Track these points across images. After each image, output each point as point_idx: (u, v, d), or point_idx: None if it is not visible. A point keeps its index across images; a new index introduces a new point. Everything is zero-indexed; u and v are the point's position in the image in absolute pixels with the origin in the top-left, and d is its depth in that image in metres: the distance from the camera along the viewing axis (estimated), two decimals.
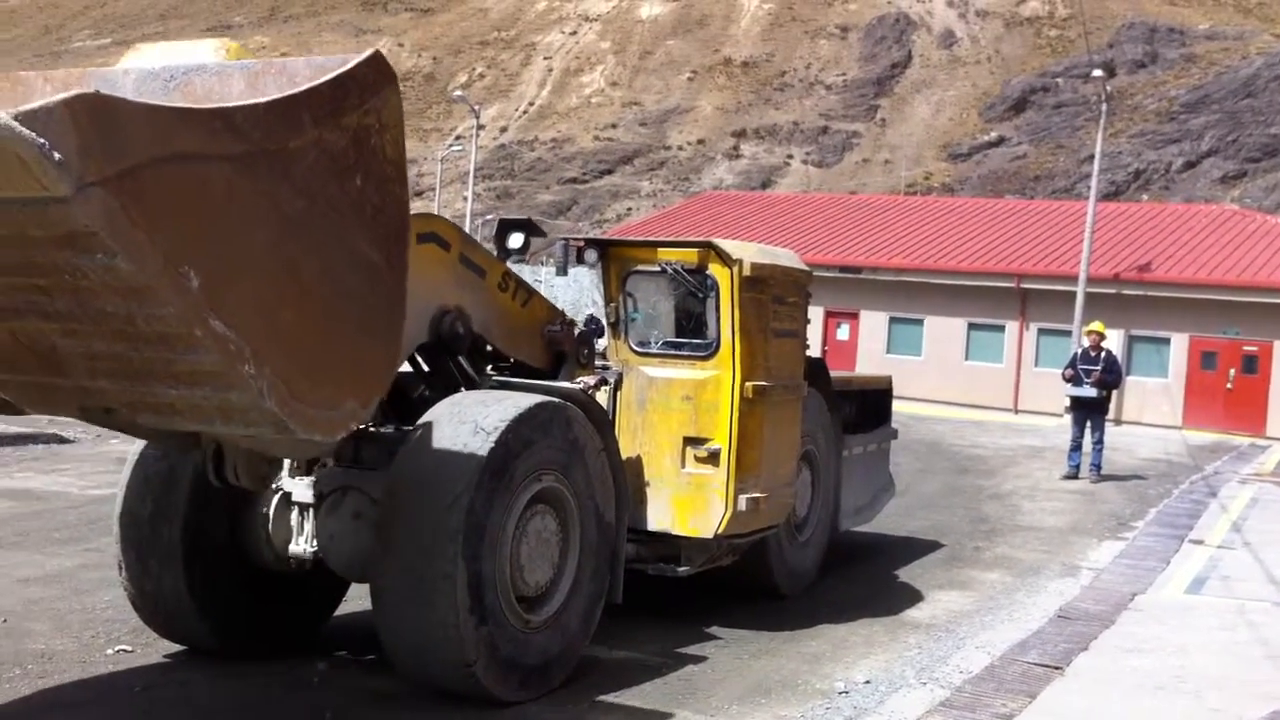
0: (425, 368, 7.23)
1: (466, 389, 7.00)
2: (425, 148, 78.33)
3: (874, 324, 32.58)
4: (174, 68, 5.53)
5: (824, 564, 9.69)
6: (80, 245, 4.08)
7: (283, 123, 4.57)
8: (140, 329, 4.37)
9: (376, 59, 5.00)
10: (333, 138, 4.77)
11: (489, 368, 7.46)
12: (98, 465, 12.94)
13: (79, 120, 3.83)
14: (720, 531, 7.88)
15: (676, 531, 7.96)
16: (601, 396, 7.80)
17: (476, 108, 52.98)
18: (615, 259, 8.42)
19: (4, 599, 7.80)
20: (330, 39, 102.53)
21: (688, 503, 7.96)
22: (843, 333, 32.85)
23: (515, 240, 7.80)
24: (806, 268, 9.09)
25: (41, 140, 3.74)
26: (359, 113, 4.87)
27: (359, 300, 4.98)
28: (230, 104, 4.60)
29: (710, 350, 8.06)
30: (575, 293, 39.35)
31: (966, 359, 31.40)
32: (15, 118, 3.72)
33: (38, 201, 3.94)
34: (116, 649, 6.93)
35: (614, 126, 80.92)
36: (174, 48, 5.93)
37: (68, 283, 4.27)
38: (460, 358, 7.08)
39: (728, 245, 8.12)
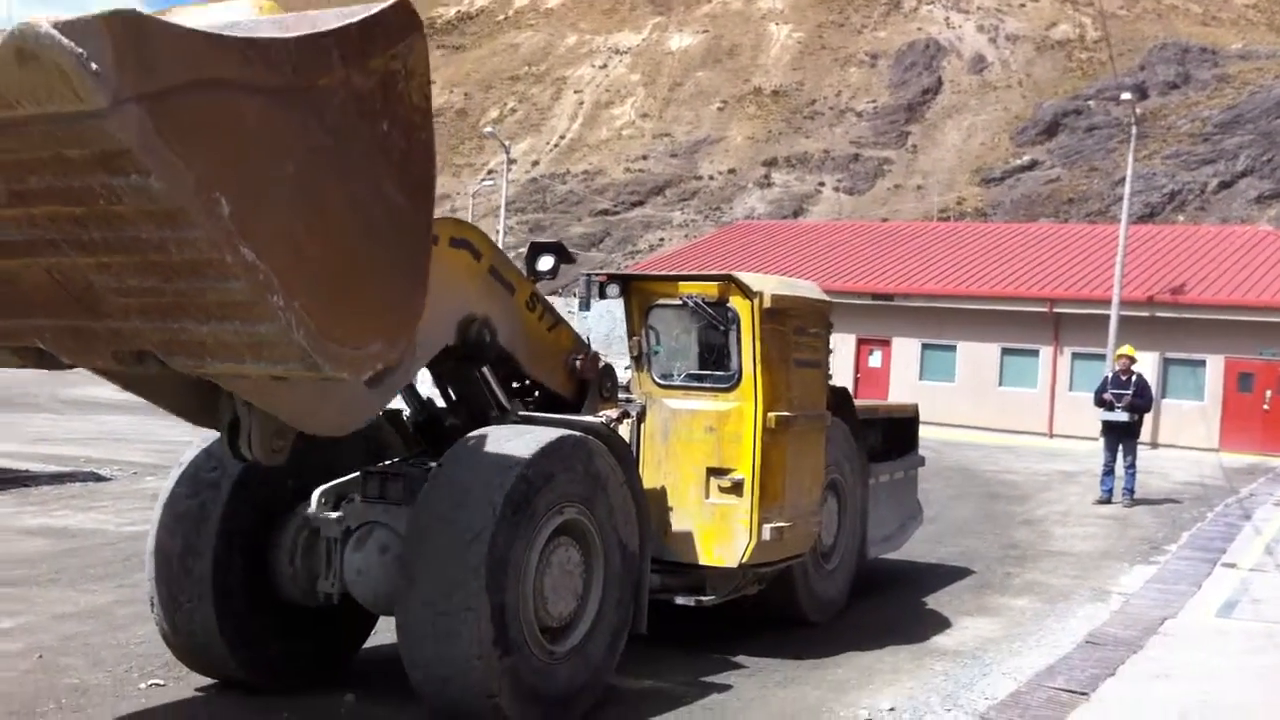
0: (454, 395, 7.35)
1: (495, 409, 7.10)
2: (458, 183, 78.95)
3: (907, 350, 32.52)
4: (206, 24, 5.44)
5: (852, 591, 9.72)
6: (114, 165, 4.11)
7: (313, 59, 4.64)
8: (172, 257, 4.41)
9: (403, 4, 5.05)
10: (360, 79, 4.82)
11: (514, 399, 7.55)
12: (134, 502, 13.14)
13: (116, 35, 3.88)
14: (745, 561, 7.94)
15: (701, 561, 8.02)
16: (624, 429, 7.89)
17: (507, 143, 53.44)
18: (637, 293, 8.55)
19: (40, 635, 7.96)
20: None
21: (712, 533, 8.02)
22: (875, 360, 32.81)
23: (545, 263, 7.87)
24: (827, 298, 9.16)
25: (80, 50, 3.79)
26: (386, 57, 4.93)
27: (385, 241, 5.03)
28: (263, 35, 4.65)
29: (733, 382, 8.15)
30: (609, 324, 39.62)
31: (1000, 384, 31.29)
32: (56, 27, 3.78)
33: (74, 117, 3.98)
34: (149, 683, 7.06)
35: (645, 158, 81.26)
36: (209, 9, 6.00)
37: (102, 208, 4.30)
38: (486, 371, 7.15)
39: (748, 278, 8.21)
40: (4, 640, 7.81)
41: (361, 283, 4.93)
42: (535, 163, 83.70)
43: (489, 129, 60.39)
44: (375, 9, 4.97)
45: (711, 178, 77.64)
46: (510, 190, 53.78)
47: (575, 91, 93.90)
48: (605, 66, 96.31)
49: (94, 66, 3.83)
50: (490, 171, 75.75)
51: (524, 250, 8.17)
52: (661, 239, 69.94)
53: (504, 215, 50.62)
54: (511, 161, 55.12)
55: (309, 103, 4.63)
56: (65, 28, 3.81)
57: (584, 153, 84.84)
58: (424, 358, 6.55)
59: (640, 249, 67.96)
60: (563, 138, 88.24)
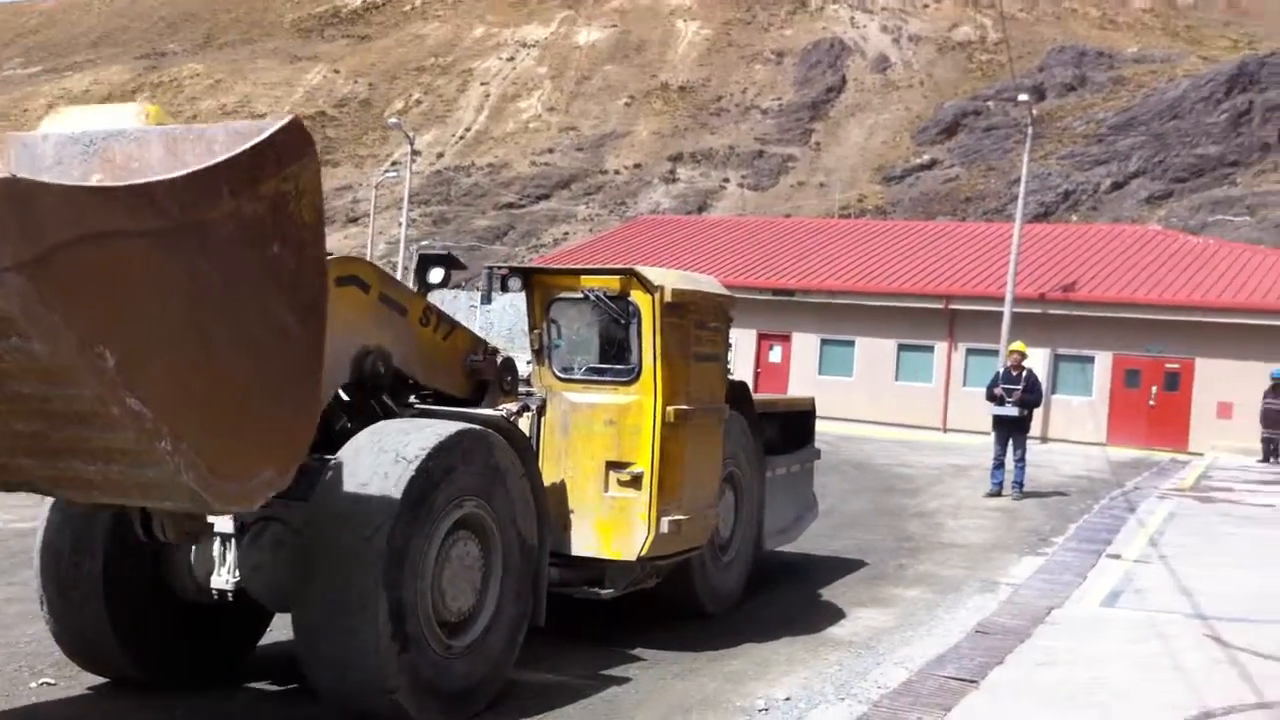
0: (346, 399, 7.32)
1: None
2: (361, 174, 77.98)
3: (806, 346, 32.92)
4: (94, 133, 5.55)
5: (748, 584, 9.86)
6: None
7: (201, 195, 4.60)
8: (56, 408, 4.39)
9: (295, 125, 5.06)
10: (251, 206, 4.81)
11: (411, 396, 7.56)
12: (21, 499, 12.76)
13: None
14: (643, 554, 8.02)
15: (600, 555, 8.08)
16: (524, 423, 7.93)
17: (412, 134, 52.92)
18: (539, 286, 8.57)
19: None
20: (265, 65, 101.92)
21: (611, 526, 8.08)
22: (775, 355, 33.17)
23: (436, 275, 7.94)
24: (728, 293, 9.28)
25: None
26: (277, 179, 4.92)
27: (275, 366, 5.01)
28: (148, 179, 4.61)
29: (632, 375, 8.22)
30: (514, 318, 39.48)
31: (897, 379, 31.81)
32: None
33: None
34: (40, 682, 6.93)
35: (551, 151, 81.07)
36: (94, 111, 5.96)
37: None
38: (383, 394, 7.18)
39: (649, 272, 8.29)
40: None
41: (252, 412, 4.91)
42: (440, 155, 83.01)
43: (393, 120, 59.76)
44: (267, 133, 4.93)
45: (617, 172, 77.73)
46: (414, 182, 53.27)
47: (482, 84, 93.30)
48: (513, 59, 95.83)
49: None
50: (394, 163, 74.89)
51: (425, 243, 8.19)
52: (566, 233, 69.84)
53: (407, 208, 50.14)
54: (416, 153, 54.61)
55: (196, 239, 4.58)
56: None
57: (489, 145, 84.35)
58: (323, 401, 6.54)
59: (545, 243, 67.80)
60: (468, 130, 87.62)
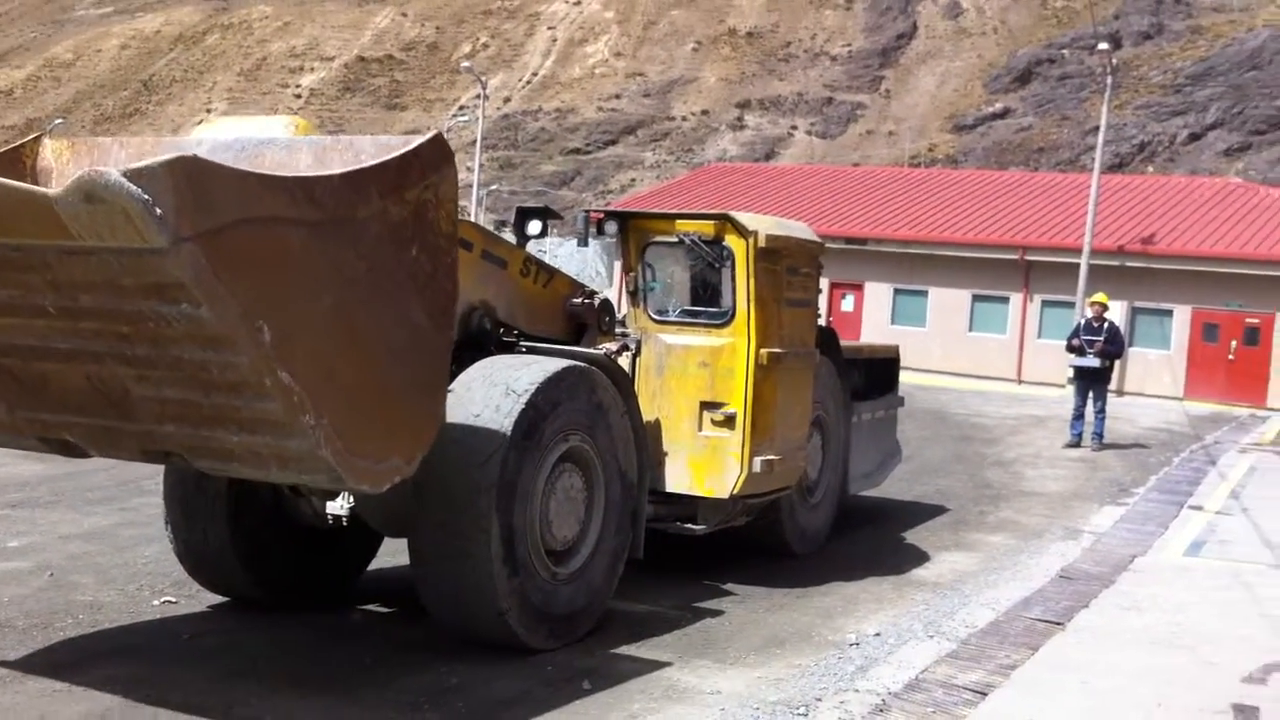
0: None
1: None
2: (429, 118, 78.29)
3: (879, 295, 32.80)
4: (246, 140, 6.07)
5: (834, 526, 10.01)
6: (167, 295, 4.48)
7: (354, 194, 5.01)
8: (213, 376, 4.76)
9: (438, 140, 5.52)
10: (396, 210, 5.23)
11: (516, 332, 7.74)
12: None
13: (179, 180, 4.22)
14: (735, 492, 8.19)
15: (694, 492, 8.27)
16: (624, 362, 8.10)
17: (483, 78, 53.01)
18: (634, 230, 8.72)
19: (47, 554, 8.14)
20: (334, 8, 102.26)
21: (704, 464, 8.26)
22: (847, 304, 33.09)
23: (534, 227, 8.11)
24: (819, 239, 9.36)
25: (146, 196, 4.14)
26: (420, 188, 5.35)
27: (407, 363, 5.39)
28: (309, 174, 5.07)
29: (726, 318, 8.35)
30: (579, 264, 39.64)
31: (971, 330, 31.64)
32: (124, 174, 4.12)
33: (134, 252, 4.34)
34: (162, 600, 7.27)
35: (618, 97, 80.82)
36: (246, 122, 6.53)
37: (149, 329, 4.67)
38: (491, 349, 7.36)
39: (743, 217, 8.39)
40: (14, 559, 7.99)
41: (384, 400, 5.27)
42: (507, 99, 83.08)
43: (465, 64, 59.84)
44: (414, 144, 5.39)
45: (684, 119, 77.39)
46: (482, 126, 53.42)
47: (549, 28, 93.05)
48: (579, 3, 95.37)
49: (157, 211, 4.16)
50: (462, 107, 75.14)
51: (495, 188, 8.39)
52: (633, 179, 69.80)
53: (479, 152, 50.35)
54: (485, 98, 54.71)
55: (348, 234, 4.99)
56: (132, 175, 4.14)
57: (556, 90, 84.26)
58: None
59: (612, 189, 67.81)
60: (535, 74, 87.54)
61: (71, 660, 6.06)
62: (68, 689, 5.61)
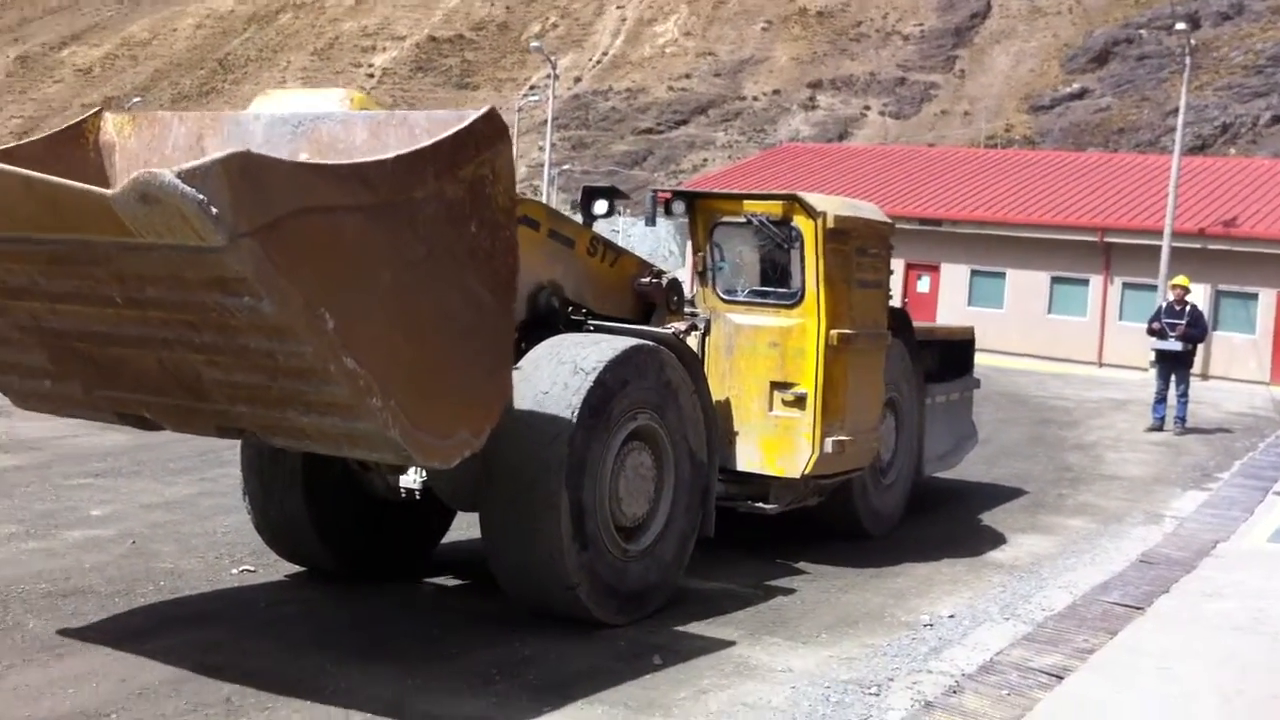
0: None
1: None
2: (500, 98, 78.49)
3: (955, 277, 32.42)
4: (302, 115, 6.05)
5: (908, 507, 9.91)
6: (229, 288, 4.51)
7: (408, 176, 4.99)
8: (279, 364, 4.80)
9: (492, 115, 5.45)
10: (451, 188, 5.21)
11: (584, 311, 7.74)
12: None
13: (233, 178, 4.24)
14: (807, 472, 8.14)
15: (765, 471, 8.23)
16: (692, 341, 8.07)
17: (553, 58, 53.08)
18: (702, 210, 8.69)
19: (130, 522, 8.31)
20: None
21: (775, 444, 8.22)
22: (923, 285, 32.74)
23: (600, 207, 8.11)
24: (889, 220, 9.26)
25: (201, 196, 4.15)
26: (475, 164, 5.31)
27: (471, 337, 5.40)
28: (362, 159, 5.03)
29: (795, 299, 8.29)
30: (653, 244, 39.59)
31: (1049, 312, 31.19)
32: (178, 175, 4.13)
33: (194, 249, 4.36)
34: (241, 569, 7.39)
35: (688, 77, 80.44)
36: (301, 95, 6.52)
37: (215, 320, 4.71)
38: (559, 328, 7.37)
39: (812, 198, 8.32)
40: (97, 526, 8.17)
41: (450, 377, 5.30)
42: (577, 79, 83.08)
43: (534, 44, 59.94)
44: (468, 121, 5.34)
45: (755, 99, 76.87)
46: (553, 106, 53.51)
47: (618, 7, 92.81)
48: None
49: (213, 210, 4.17)
50: (532, 87, 75.26)
51: (566, 167, 8.39)
52: (705, 159, 69.53)
53: (551, 131, 50.44)
54: (555, 77, 54.79)
55: (404, 215, 4.99)
56: (186, 175, 4.15)
57: (626, 70, 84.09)
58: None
59: (684, 169, 67.61)
60: (605, 54, 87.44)
61: (151, 626, 6.18)
62: (148, 654, 5.72)
